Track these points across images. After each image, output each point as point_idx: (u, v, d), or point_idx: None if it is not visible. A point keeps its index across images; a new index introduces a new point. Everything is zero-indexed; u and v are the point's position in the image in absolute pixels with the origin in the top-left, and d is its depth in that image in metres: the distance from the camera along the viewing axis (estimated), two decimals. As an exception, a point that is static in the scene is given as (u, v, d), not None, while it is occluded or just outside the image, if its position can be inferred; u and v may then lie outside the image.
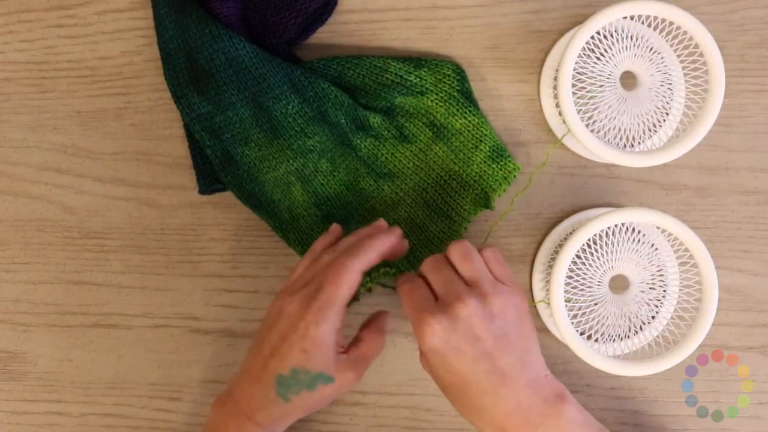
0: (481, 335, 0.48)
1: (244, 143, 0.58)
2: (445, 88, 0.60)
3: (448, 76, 0.60)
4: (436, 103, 0.60)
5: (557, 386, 0.50)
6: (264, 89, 0.58)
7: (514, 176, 0.60)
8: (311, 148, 0.59)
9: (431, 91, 0.60)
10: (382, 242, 0.51)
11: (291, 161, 0.59)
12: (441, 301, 0.49)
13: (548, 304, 0.55)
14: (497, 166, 0.60)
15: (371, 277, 0.54)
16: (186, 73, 0.58)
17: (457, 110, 0.60)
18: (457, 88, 0.60)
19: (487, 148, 0.60)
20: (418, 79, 0.60)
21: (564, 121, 0.55)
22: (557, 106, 0.56)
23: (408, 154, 0.60)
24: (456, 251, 0.51)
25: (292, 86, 0.58)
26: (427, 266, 0.52)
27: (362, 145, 0.60)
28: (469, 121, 0.60)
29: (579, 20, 0.61)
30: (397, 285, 0.52)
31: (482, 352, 0.48)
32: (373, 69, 0.60)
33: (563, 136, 0.59)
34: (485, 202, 0.59)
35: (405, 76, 0.60)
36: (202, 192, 0.60)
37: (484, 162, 0.60)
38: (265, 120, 0.58)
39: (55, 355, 0.61)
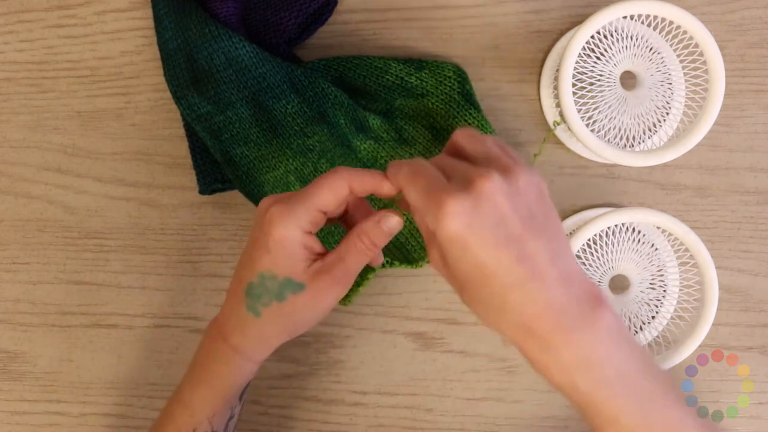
0: (507, 215, 0.40)
1: (244, 143, 0.58)
2: (445, 90, 0.60)
3: (449, 78, 0.60)
4: (437, 106, 0.60)
5: (591, 286, 0.42)
6: (264, 88, 0.58)
7: None
8: (310, 147, 0.59)
9: (432, 93, 0.60)
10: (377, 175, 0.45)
11: (290, 160, 0.59)
12: (456, 180, 0.41)
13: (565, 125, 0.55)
14: None
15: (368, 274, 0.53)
16: (186, 73, 0.58)
17: (458, 113, 0.60)
18: (458, 90, 0.60)
19: None
20: (419, 81, 0.60)
21: (564, 121, 0.55)
22: (557, 106, 0.56)
23: (407, 157, 0.60)
24: (462, 133, 0.44)
25: (292, 86, 0.58)
26: (422, 162, 0.43)
27: (362, 147, 0.60)
28: (470, 124, 0.60)
29: (579, 20, 0.61)
30: (390, 174, 0.44)
31: (508, 236, 0.40)
32: (374, 70, 0.60)
33: (555, 126, 0.58)
34: None
35: (406, 78, 0.60)
36: (202, 192, 0.60)
37: None
38: (265, 119, 0.58)
39: (55, 355, 0.61)
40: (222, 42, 0.57)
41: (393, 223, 0.45)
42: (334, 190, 0.44)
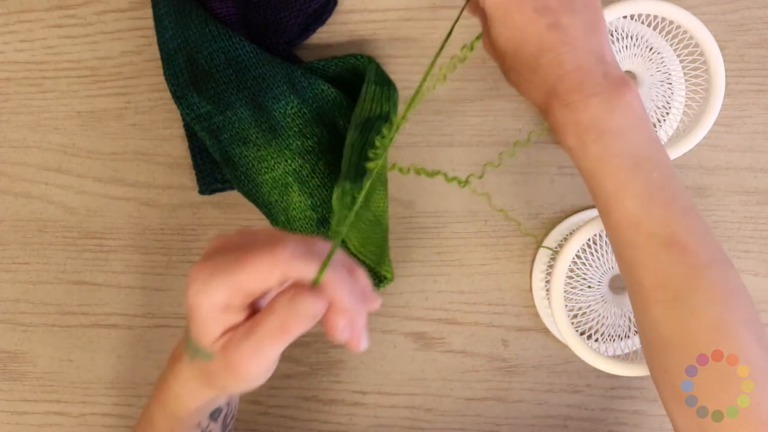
0: None
1: (243, 143, 0.58)
2: None
3: None
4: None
5: (624, 75, 0.45)
6: (263, 89, 0.58)
7: None
8: (310, 149, 0.59)
9: None
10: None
11: (289, 161, 0.59)
12: None
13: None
14: None
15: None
16: (186, 72, 0.58)
17: None
18: None
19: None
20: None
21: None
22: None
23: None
24: None
25: (292, 87, 0.58)
26: None
27: None
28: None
29: (579, 20, 0.61)
30: None
31: (545, 6, 0.45)
32: (374, 71, 0.60)
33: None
34: None
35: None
36: (202, 192, 0.60)
37: None
38: (264, 120, 0.58)
39: (55, 355, 0.61)
40: (222, 42, 0.57)
41: (305, 306, 0.36)
42: (262, 277, 0.36)
